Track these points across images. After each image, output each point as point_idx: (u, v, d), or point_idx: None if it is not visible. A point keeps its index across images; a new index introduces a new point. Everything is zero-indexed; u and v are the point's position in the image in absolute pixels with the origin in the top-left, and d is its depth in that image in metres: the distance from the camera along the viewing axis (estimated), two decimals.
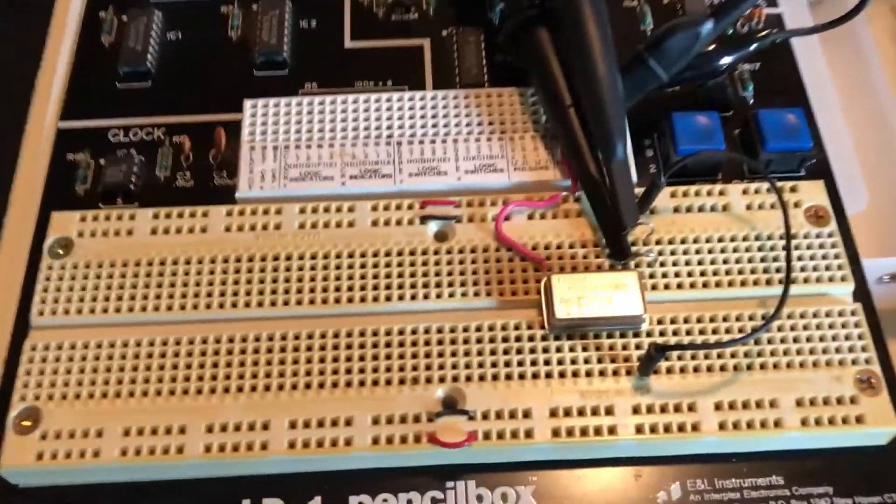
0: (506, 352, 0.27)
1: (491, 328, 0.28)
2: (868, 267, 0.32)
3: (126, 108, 0.34)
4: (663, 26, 0.30)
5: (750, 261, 0.29)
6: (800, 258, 0.29)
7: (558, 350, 0.27)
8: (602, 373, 0.27)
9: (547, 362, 0.27)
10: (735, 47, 0.31)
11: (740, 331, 0.28)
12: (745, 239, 0.29)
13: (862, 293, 0.29)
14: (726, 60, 0.32)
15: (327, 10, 0.36)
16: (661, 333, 0.28)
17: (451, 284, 0.28)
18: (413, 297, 0.28)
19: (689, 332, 0.28)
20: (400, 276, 0.29)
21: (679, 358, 0.27)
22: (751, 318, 0.28)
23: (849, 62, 0.39)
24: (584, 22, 0.30)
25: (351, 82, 0.34)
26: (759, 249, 0.29)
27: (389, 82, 0.34)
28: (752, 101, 0.34)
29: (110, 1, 0.37)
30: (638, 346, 0.27)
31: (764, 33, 0.31)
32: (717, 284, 0.28)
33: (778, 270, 0.29)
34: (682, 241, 0.29)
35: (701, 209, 0.30)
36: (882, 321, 0.31)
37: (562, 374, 0.27)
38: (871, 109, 0.37)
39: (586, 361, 0.27)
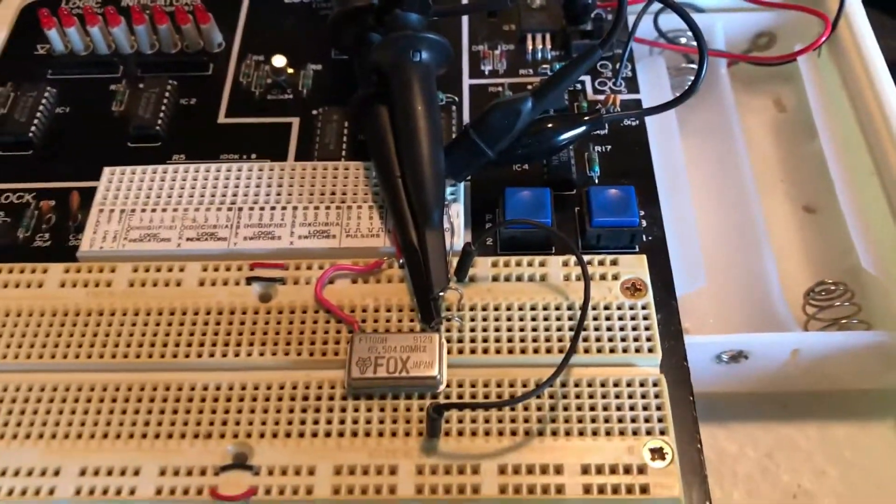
0: (304, 409, 0.28)
1: (294, 386, 0.28)
2: (702, 343, 0.32)
3: (4, 173, 0.36)
4: (488, 105, 0.31)
5: (559, 329, 0.29)
6: (609, 329, 0.29)
7: (355, 409, 0.28)
8: (394, 433, 0.27)
9: (342, 421, 0.27)
10: (566, 127, 0.32)
11: (539, 396, 0.28)
12: (557, 308, 0.30)
13: (677, 367, 0.29)
14: (560, 138, 0.33)
15: (209, 89, 0.39)
16: (459, 396, 0.28)
17: (263, 343, 0.29)
18: (225, 355, 0.29)
19: (486, 396, 0.28)
20: (216, 333, 0.29)
21: (472, 420, 0.27)
22: (551, 385, 0.28)
23: (720, 151, 0.40)
24: (411, 101, 0.31)
25: (217, 155, 0.36)
26: (570, 318, 0.29)
27: (254, 156, 0.36)
28: (596, 181, 0.35)
29: (12, 77, 0.39)
30: (427, 410, 0.27)
31: (589, 117, 0.32)
32: (522, 351, 0.29)
33: (586, 339, 0.29)
34: (496, 308, 0.30)
35: (519, 279, 0.30)
36: (715, 398, 0.31)
37: (354, 433, 0.27)
38: (733, 197, 0.38)
39: (380, 421, 0.27)
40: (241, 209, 0.33)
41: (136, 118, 0.37)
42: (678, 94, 0.32)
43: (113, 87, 0.39)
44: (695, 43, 0.40)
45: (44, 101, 0.38)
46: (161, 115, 0.37)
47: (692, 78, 0.39)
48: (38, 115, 0.37)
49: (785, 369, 0.33)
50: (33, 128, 0.37)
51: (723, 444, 0.33)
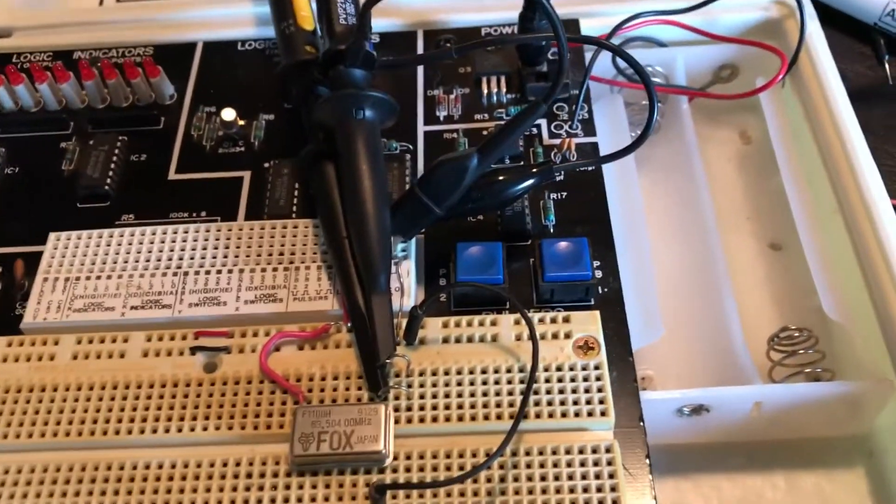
0: (247, 488, 0.27)
1: (238, 462, 0.28)
2: (662, 399, 0.31)
3: None
4: (433, 162, 0.31)
5: (510, 393, 0.28)
6: (561, 392, 0.28)
7: (299, 487, 0.27)
8: None
9: (286, 499, 0.27)
10: (516, 179, 0.32)
11: (488, 467, 0.27)
12: (508, 370, 0.29)
13: (632, 427, 0.29)
14: (511, 191, 0.32)
15: (160, 144, 0.38)
16: (407, 469, 0.27)
17: (206, 418, 0.28)
18: (167, 431, 0.28)
19: (435, 468, 0.27)
20: (159, 408, 0.29)
21: (420, 496, 0.26)
22: (501, 455, 0.27)
23: (681, 191, 0.39)
24: (355, 161, 0.31)
25: (167, 214, 0.35)
26: (521, 382, 0.29)
27: (204, 213, 0.35)
28: (552, 230, 0.34)
29: None
30: (369, 491, 0.26)
31: (538, 168, 0.32)
32: (473, 418, 0.28)
33: (537, 403, 0.28)
34: (446, 373, 0.29)
35: (470, 339, 0.30)
36: (678, 450, 0.31)
37: None
38: (694, 240, 0.37)
39: (325, 499, 0.27)
40: (186, 273, 0.32)
41: (85, 177, 0.36)
42: (634, 137, 0.31)
43: (63, 145, 0.38)
44: (657, 79, 0.40)
45: None
46: (111, 172, 0.36)
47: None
48: None
49: (748, 421, 0.32)
50: None
51: (688, 498, 0.32)
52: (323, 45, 0.35)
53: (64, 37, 0.43)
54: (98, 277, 0.32)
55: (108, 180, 0.36)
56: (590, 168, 0.35)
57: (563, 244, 0.32)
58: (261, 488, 0.27)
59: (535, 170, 0.32)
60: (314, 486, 0.27)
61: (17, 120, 0.39)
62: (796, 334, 0.33)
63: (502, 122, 0.35)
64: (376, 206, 0.30)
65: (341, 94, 0.32)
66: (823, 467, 0.33)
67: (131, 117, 0.39)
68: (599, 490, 0.26)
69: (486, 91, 0.39)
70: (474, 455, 0.27)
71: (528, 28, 0.37)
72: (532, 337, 0.28)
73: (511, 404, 0.28)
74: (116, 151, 0.37)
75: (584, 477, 0.27)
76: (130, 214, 0.35)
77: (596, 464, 0.27)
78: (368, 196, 0.30)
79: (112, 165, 0.37)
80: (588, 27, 0.41)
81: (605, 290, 0.32)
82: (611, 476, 0.27)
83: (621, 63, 0.40)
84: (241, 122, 0.38)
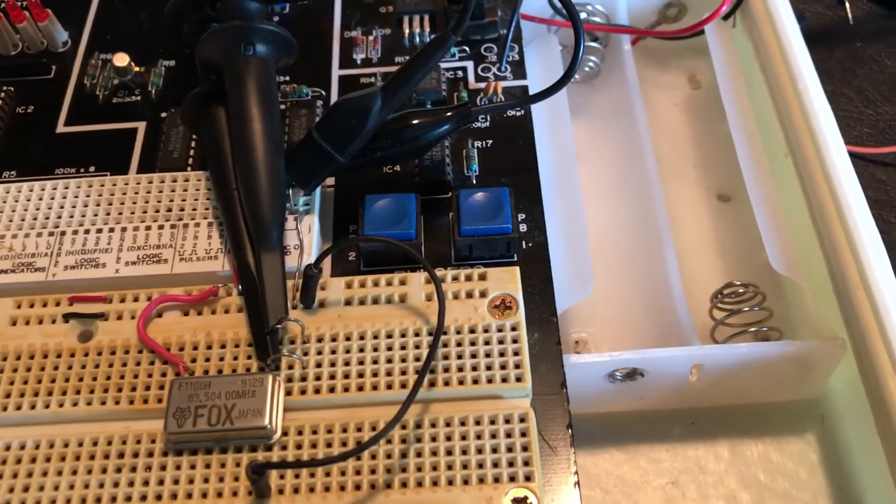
0: (118, 469, 0.24)
1: (109, 441, 0.24)
2: (592, 362, 0.28)
3: None
4: (333, 103, 0.28)
5: (417, 359, 0.25)
6: (473, 356, 0.25)
7: (176, 467, 0.24)
8: (219, 493, 0.23)
9: (160, 481, 0.24)
10: (430, 123, 0.29)
11: (389, 440, 0.24)
12: (416, 334, 0.26)
13: (554, 394, 0.26)
14: (425, 136, 0.29)
15: (48, 94, 0.34)
16: (298, 445, 0.24)
17: (77, 392, 0.25)
18: (33, 406, 0.25)
19: (329, 444, 0.24)
20: (25, 382, 0.26)
21: (311, 475, 0.24)
22: (404, 427, 0.24)
23: (623, 138, 0.36)
24: (244, 102, 0.28)
25: (52, 170, 0.32)
26: (430, 346, 0.26)
27: (93, 168, 0.32)
28: (475, 181, 0.31)
29: None
30: (246, 470, 0.23)
31: (453, 111, 0.28)
32: (374, 387, 0.25)
33: (447, 370, 0.25)
34: (346, 338, 0.26)
35: (376, 301, 0.27)
36: (612, 418, 0.28)
37: (173, 496, 0.23)
38: (636, 191, 0.34)
39: (205, 480, 0.24)
40: (63, 233, 0.29)
41: None
42: (581, 82, 0.28)
43: None
44: (596, 18, 0.37)
45: None
46: None
47: (593, 57, 0.36)
48: None
49: (688, 385, 0.29)
50: None
51: (623, 472, 0.30)
52: None
53: None
54: None
55: None
56: (518, 112, 0.32)
57: (480, 195, 0.28)
58: (133, 469, 0.24)
59: (449, 113, 0.28)
60: (192, 466, 0.24)
61: None
62: (741, 290, 0.31)
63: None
64: (267, 152, 0.27)
65: (228, 26, 0.28)
66: (771, 434, 0.30)
67: (18, 66, 0.35)
68: (511, 465, 0.24)
69: (407, 31, 0.35)
70: (373, 428, 0.24)
71: None
72: (438, 295, 0.25)
73: (417, 371, 0.25)
74: (1, 102, 0.34)
75: (494, 450, 0.24)
76: (12, 171, 0.32)
77: (509, 435, 0.24)
78: (259, 141, 0.27)
79: None
80: None
81: (530, 245, 0.29)
82: (524, 448, 0.24)
83: (557, 2, 0.36)
84: (138, 69, 0.35)
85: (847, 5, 0.41)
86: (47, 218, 0.29)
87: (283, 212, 0.27)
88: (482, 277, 0.27)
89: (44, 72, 0.35)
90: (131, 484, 0.24)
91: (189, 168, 0.31)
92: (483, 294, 0.27)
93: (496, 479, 0.23)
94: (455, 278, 0.27)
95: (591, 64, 0.37)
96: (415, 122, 0.28)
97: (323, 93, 0.34)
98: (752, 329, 0.30)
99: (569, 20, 0.29)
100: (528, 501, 0.23)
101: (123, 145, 0.33)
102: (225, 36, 0.28)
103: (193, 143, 0.32)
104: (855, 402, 0.28)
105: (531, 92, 0.33)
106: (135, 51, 0.35)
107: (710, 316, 0.31)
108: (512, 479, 0.23)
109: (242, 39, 0.28)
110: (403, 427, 0.24)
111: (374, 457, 0.24)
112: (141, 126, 0.33)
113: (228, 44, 0.28)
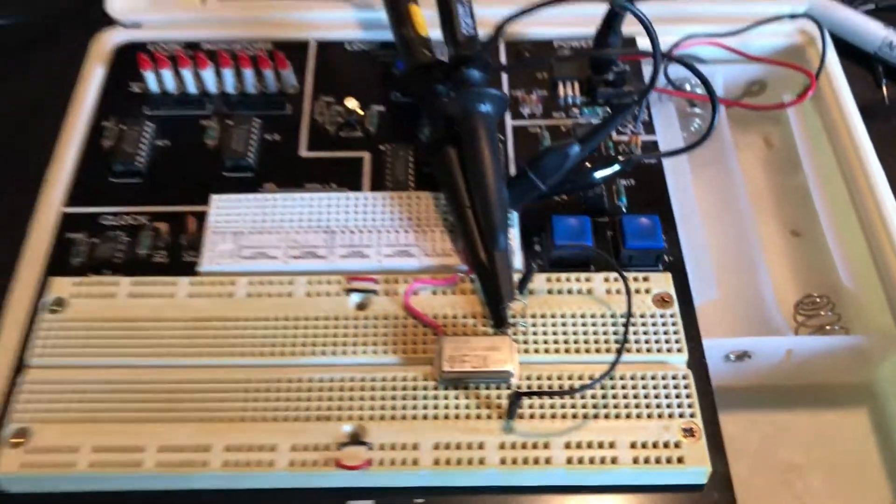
0: (403, 397, 0.34)
1: (393, 378, 0.35)
2: (714, 345, 0.39)
3: (118, 198, 0.42)
4: (542, 148, 0.38)
5: (605, 334, 0.36)
6: (645, 333, 0.36)
7: (445, 397, 0.34)
8: (478, 416, 0.34)
9: (435, 406, 0.34)
10: (602, 166, 0.39)
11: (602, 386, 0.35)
12: (602, 316, 0.36)
13: (698, 364, 0.36)
14: (597, 176, 0.40)
15: (289, 127, 0.45)
16: (528, 387, 0.35)
17: (364, 344, 0.36)
18: (334, 353, 0.35)
19: (550, 387, 0.35)
20: (325, 336, 0.36)
21: (541, 406, 0.34)
22: (608, 377, 0.35)
23: (720, 182, 0.47)
24: (478, 144, 0.38)
25: (302, 184, 0.42)
26: (613, 325, 0.36)
27: (333, 185, 0.42)
28: (624, 210, 0.42)
29: (112, 112, 0.45)
30: (508, 397, 0.34)
31: (622, 159, 0.39)
32: (577, 351, 0.35)
33: (626, 342, 0.36)
34: (552, 316, 0.36)
35: (570, 292, 0.37)
36: (723, 391, 0.38)
37: (446, 416, 0.34)
38: (733, 222, 0.45)
39: (466, 407, 0.34)
40: (333, 232, 0.39)
41: (230, 151, 0.43)
42: (684, 138, 0.39)
43: (204, 123, 0.45)
44: (699, 90, 0.48)
45: (146, 134, 0.44)
46: (250, 148, 0.43)
47: (697, 120, 0.47)
48: (141, 147, 0.43)
49: (780, 366, 0.40)
50: (140, 158, 0.43)
51: (729, 429, 0.40)
52: (447, 51, 0.42)
53: (186, 31, 0.49)
54: (260, 233, 0.39)
55: (249, 153, 0.43)
56: (653, 161, 0.43)
57: (641, 220, 0.39)
58: (415, 398, 0.34)
59: (620, 158, 0.39)
60: (457, 397, 0.34)
61: (163, 101, 0.46)
62: (817, 300, 0.42)
63: (598, 121, 0.43)
64: (497, 181, 0.38)
65: (469, 91, 0.39)
66: (838, 408, 0.41)
67: (261, 103, 0.46)
68: (679, 406, 0.34)
69: (562, 93, 0.46)
70: (580, 378, 0.35)
71: (604, 44, 0.44)
72: (626, 287, 0.36)
73: (605, 341, 0.36)
74: (253, 130, 0.44)
75: (667, 397, 0.34)
76: (272, 183, 0.42)
77: (675, 387, 0.35)
78: (490, 173, 0.38)
79: (251, 141, 0.43)
80: (641, 45, 0.49)
81: (671, 258, 0.40)
82: (688, 396, 0.34)
83: (672, 75, 0.48)
84: (360, 112, 0.45)
85: (884, 89, 0.53)
86: (319, 220, 0.39)
87: (507, 223, 0.37)
88: (645, 279, 0.38)
89: (281, 108, 0.46)
90: (415, 407, 0.34)
91: (411, 188, 0.42)
92: (647, 291, 0.37)
93: (670, 416, 0.34)
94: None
95: (696, 124, 0.48)
96: (592, 165, 0.39)
97: (502, 137, 0.44)
98: (827, 327, 0.41)
99: (674, 91, 0.39)
100: (694, 430, 0.34)
101: (354, 169, 0.43)
102: (466, 98, 0.39)
103: (410, 170, 0.43)
104: None
105: (660, 144, 0.44)
106: (349, 96, 0.46)
107: (794, 320, 0.42)
108: (681, 415, 0.34)
109: (479, 100, 0.39)
110: (609, 377, 0.35)
111: (584, 397, 0.34)
112: (366, 155, 0.44)
113: (468, 104, 0.39)
